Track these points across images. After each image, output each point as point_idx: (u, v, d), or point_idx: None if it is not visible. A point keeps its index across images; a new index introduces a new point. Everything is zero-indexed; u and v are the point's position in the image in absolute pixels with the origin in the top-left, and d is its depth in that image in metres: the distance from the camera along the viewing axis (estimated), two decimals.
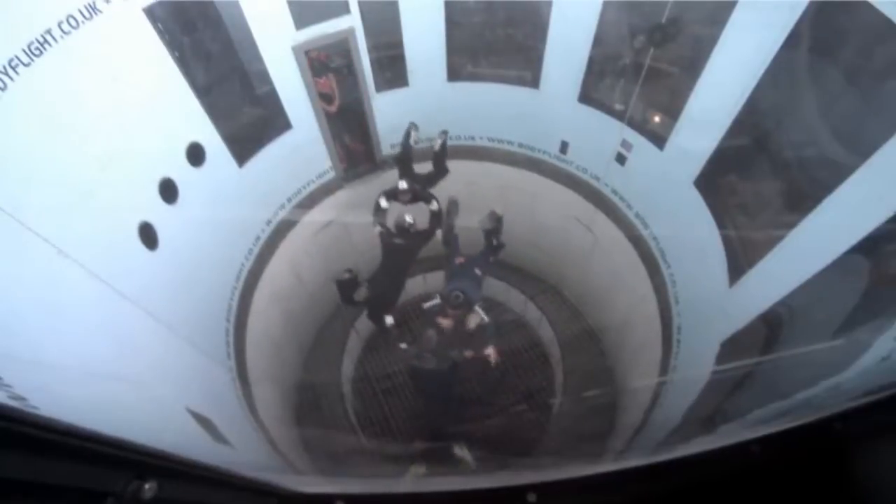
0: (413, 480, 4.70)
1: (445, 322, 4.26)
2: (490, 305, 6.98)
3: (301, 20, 4.41)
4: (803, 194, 3.34)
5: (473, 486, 1.40)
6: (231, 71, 4.59)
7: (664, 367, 4.76)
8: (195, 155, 4.03)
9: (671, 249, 4.84)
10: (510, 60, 5.45)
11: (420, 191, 4.87)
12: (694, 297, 4.58)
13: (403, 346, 4.37)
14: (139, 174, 3.51)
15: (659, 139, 4.51)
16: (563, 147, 5.53)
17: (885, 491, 1.17)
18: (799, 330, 3.40)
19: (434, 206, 4.86)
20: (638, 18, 4.35)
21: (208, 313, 4.33)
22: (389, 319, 4.98)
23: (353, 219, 5.10)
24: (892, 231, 2.64)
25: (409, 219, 4.69)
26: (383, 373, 6.62)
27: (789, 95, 3.45)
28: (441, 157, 5.28)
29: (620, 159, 5.01)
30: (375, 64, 5.12)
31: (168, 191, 3.73)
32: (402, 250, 4.85)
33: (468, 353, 4.27)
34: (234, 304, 4.73)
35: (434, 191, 5.05)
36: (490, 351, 4.24)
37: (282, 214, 5.28)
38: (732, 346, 3.88)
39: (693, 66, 3.91)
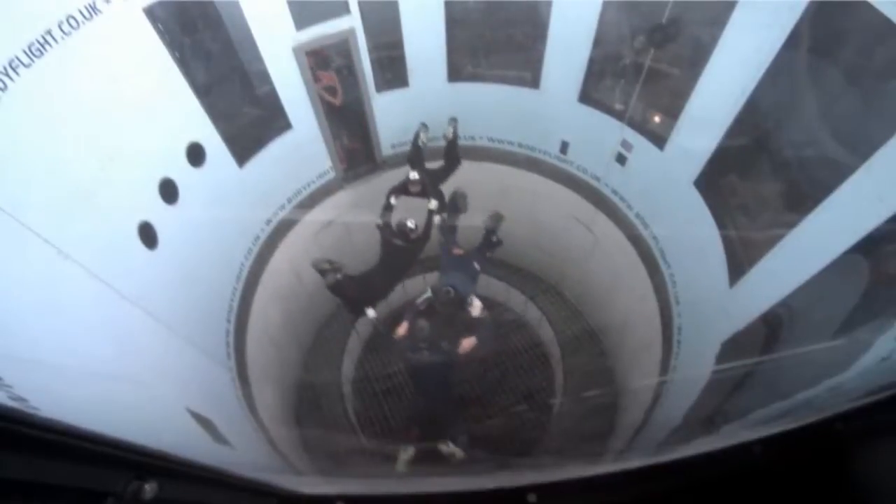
0: (403, 465, 4.71)
1: (422, 323, 4.23)
2: (490, 305, 6.99)
3: (301, 20, 4.41)
4: (803, 194, 3.34)
5: (473, 487, 1.40)
6: (231, 71, 4.59)
7: (664, 367, 4.76)
8: (195, 155, 4.03)
9: (671, 249, 4.84)
10: (510, 60, 5.45)
11: (429, 184, 4.87)
12: (694, 297, 4.58)
13: (400, 332, 4.34)
14: (139, 174, 3.51)
15: (659, 139, 4.51)
16: (564, 147, 5.53)
17: (886, 491, 1.17)
18: (799, 330, 3.40)
19: (432, 204, 4.85)
20: (638, 18, 4.35)
21: (208, 313, 4.33)
22: (371, 312, 4.96)
23: (354, 219, 5.10)
24: (892, 231, 2.64)
25: (410, 224, 4.70)
26: (383, 373, 6.62)
27: (789, 95, 3.45)
28: (453, 145, 5.26)
29: (620, 159, 5.01)
30: (375, 64, 5.12)
31: (168, 191, 3.73)
32: (399, 252, 4.85)
33: (462, 342, 4.21)
34: (234, 304, 4.73)
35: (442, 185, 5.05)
36: (469, 341, 4.18)
37: (282, 214, 5.28)
38: (733, 346, 3.88)
39: (693, 66, 3.91)
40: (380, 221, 4.83)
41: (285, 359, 5.97)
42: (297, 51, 4.53)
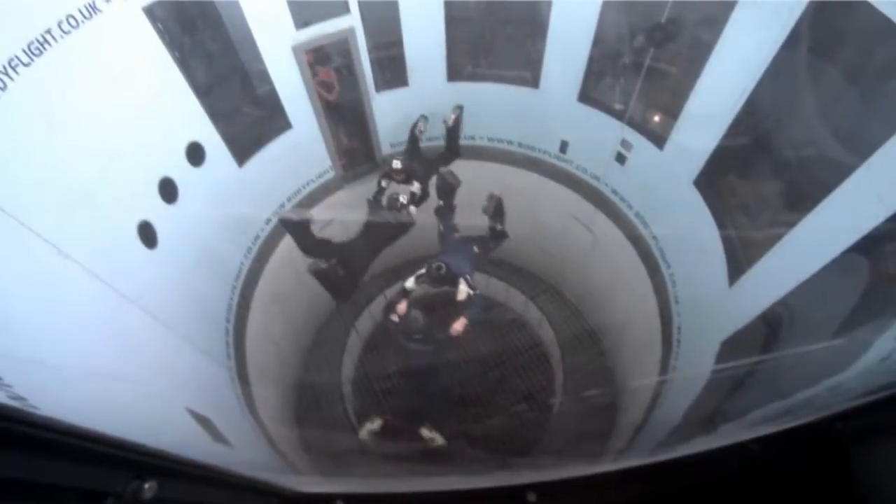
0: (366, 433, 4.70)
1: (401, 308, 4.24)
2: (490, 305, 6.99)
3: (301, 20, 4.41)
4: (803, 194, 3.34)
5: (473, 486, 1.40)
6: (231, 71, 4.58)
7: (664, 367, 4.76)
8: (195, 155, 4.03)
9: (671, 249, 4.84)
10: (510, 60, 5.44)
11: (414, 171, 4.89)
12: (694, 296, 4.58)
13: (395, 318, 4.31)
14: (139, 174, 3.51)
15: (659, 139, 4.51)
16: (563, 147, 5.53)
17: (885, 491, 1.17)
18: (799, 329, 3.40)
19: (415, 187, 4.85)
20: (638, 18, 4.35)
21: (208, 313, 4.33)
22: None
23: (354, 218, 5.10)
24: (892, 231, 2.64)
25: (403, 199, 4.71)
26: (383, 373, 6.62)
27: (789, 95, 3.45)
28: (454, 133, 5.25)
29: (620, 159, 5.01)
30: (375, 64, 5.12)
31: (168, 190, 3.73)
32: (381, 228, 4.85)
33: (454, 328, 4.18)
34: (234, 303, 4.73)
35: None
36: (459, 324, 4.15)
37: (281, 214, 5.28)
38: (732, 346, 3.88)
39: (693, 65, 3.91)
40: (370, 198, 4.93)
41: (285, 358, 5.97)
42: (297, 50, 4.53)
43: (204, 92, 4.03)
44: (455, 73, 5.35)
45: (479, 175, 5.94)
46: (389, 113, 5.48)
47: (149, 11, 3.38)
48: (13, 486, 0.75)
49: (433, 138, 5.54)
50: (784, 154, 3.73)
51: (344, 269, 4.80)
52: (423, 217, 4.95)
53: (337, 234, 5.05)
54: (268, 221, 5.19)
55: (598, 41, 4.49)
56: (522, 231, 6.33)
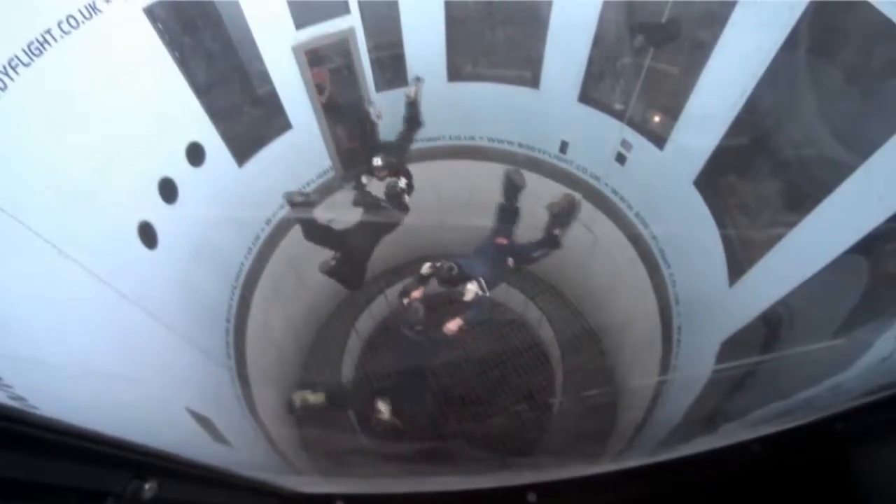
0: (300, 398, 4.65)
1: (416, 295, 4.17)
2: (490, 305, 6.98)
3: (301, 20, 4.41)
4: (803, 194, 3.34)
5: (473, 486, 1.40)
6: (231, 71, 4.58)
7: (664, 367, 4.76)
8: (195, 155, 4.03)
9: (671, 249, 4.84)
10: (510, 60, 5.44)
11: (396, 164, 4.84)
12: (694, 296, 4.57)
13: (405, 301, 4.26)
14: (139, 174, 3.51)
15: (659, 139, 4.51)
16: (563, 147, 5.53)
17: (885, 491, 1.17)
18: (799, 330, 3.40)
19: (402, 182, 4.79)
20: (638, 18, 4.35)
21: (208, 312, 4.33)
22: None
23: (354, 218, 5.10)
24: (892, 231, 2.64)
25: (402, 184, 4.68)
26: (383, 373, 6.62)
27: (789, 95, 3.45)
28: (414, 106, 5.17)
29: (620, 159, 5.01)
30: (375, 64, 5.12)
31: (168, 190, 3.73)
32: (371, 227, 4.84)
33: (448, 327, 4.11)
34: (234, 303, 4.73)
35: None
36: (453, 323, 4.08)
37: (281, 214, 5.28)
38: (732, 346, 3.88)
39: (693, 65, 3.91)
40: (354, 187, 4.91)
41: (285, 359, 5.97)
42: (297, 50, 4.53)
43: (204, 92, 4.03)
44: (455, 73, 5.35)
45: (479, 175, 5.95)
46: (389, 113, 5.47)
47: (149, 11, 3.38)
48: (13, 486, 0.75)
49: (433, 138, 5.54)
50: (784, 154, 3.73)
51: (349, 263, 4.84)
52: (424, 217, 4.95)
53: None
54: (268, 221, 5.19)
55: (598, 41, 4.49)
56: (522, 231, 6.34)
